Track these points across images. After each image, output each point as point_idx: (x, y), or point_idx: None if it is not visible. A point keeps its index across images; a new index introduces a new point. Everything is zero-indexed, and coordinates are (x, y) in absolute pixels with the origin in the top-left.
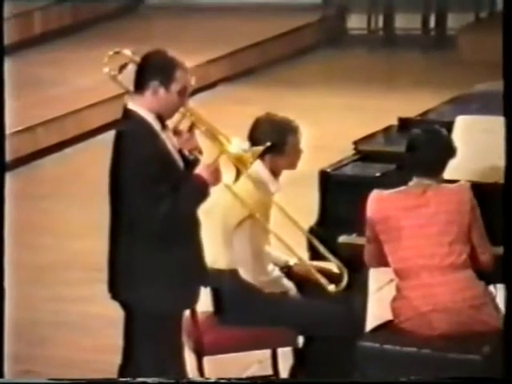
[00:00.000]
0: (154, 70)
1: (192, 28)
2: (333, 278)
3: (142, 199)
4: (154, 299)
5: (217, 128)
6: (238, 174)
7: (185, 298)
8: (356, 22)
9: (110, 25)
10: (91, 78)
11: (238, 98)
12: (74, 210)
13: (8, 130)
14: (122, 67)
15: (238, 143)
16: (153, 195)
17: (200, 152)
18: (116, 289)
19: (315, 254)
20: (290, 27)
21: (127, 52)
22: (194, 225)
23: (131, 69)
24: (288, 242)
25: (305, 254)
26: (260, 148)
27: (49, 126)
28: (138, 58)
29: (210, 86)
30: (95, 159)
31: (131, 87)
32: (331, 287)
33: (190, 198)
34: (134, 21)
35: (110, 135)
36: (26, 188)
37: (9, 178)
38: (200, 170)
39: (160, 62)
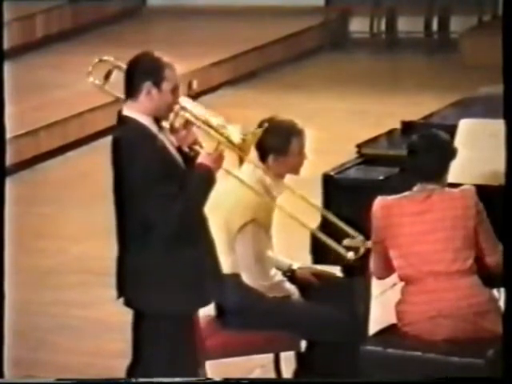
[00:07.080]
0: (143, 71)
1: (194, 31)
2: (334, 282)
3: (155, 201)
4: (167, 299)
5: (212, 120)
6: (241, 159)
7: (199, 296)
8: (358, 26)
9: (112, 28)
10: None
11: (240, 101)
12: (77, 213)
13: (10, 134)
14: (107, 75)
15: (236, 131)
16: (164, 196)
17: (200, 146)
18: (126, 291)
19: (318, 258)
20: (293, 30)
21: (110, 58)
22: (202, 222)
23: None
24: (291, 244)
25: (308, 257)
26: (259, 130)
27: (51, 129)
28: (121, 64)
29: (213, 89)
30: (98, 162)
31: (120, 94)
32: (350, 254)
33: (199, 189)
34: (135, 24)
35: None
36: (29, 191)
37: (11, 181)
38: (202, 159)
39: (148, 63)
